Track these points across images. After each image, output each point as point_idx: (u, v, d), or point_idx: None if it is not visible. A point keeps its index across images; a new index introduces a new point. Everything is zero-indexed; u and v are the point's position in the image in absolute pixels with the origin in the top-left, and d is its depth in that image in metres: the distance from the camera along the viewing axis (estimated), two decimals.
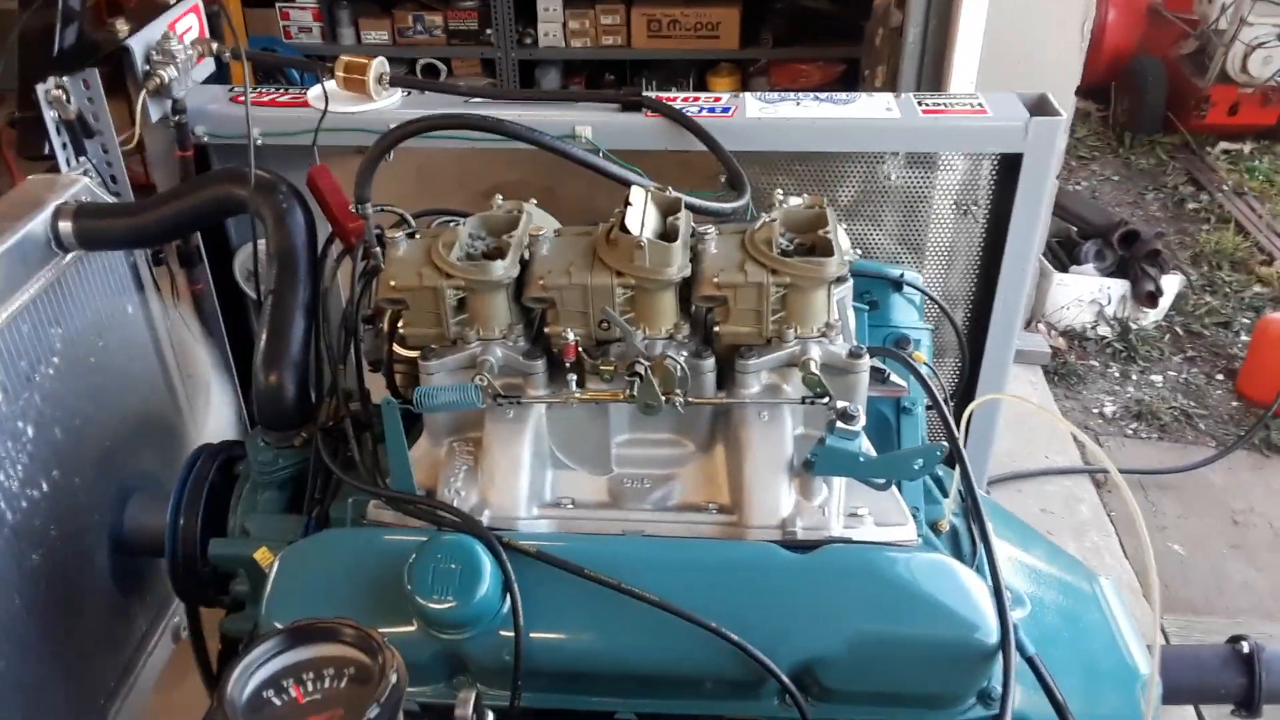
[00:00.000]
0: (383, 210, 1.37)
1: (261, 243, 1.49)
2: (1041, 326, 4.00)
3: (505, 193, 1.37)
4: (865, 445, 1.21)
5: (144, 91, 1.89)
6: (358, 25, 5.40)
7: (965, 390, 2.11)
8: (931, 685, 1.10)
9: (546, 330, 1.24)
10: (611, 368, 1.22)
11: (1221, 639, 1.52)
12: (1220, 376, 3.84)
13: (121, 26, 1.89)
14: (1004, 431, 2.24)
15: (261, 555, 1.23)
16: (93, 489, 1.53)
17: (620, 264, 1.21)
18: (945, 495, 1.42)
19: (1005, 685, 1.05)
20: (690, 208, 1.32)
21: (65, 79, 1.79)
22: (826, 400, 1.20)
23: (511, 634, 1.06)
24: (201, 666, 1.55)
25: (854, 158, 2.09)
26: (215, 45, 2.05)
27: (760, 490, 1.20)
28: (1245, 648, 1.49)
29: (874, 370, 1.32)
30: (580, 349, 1.22)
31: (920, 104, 2.03)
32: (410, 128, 1.37)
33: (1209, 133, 5.55)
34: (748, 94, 2.08)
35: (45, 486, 1.44)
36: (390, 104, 2.01)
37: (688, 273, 1.22)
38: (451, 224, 1.33)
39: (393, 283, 1.24)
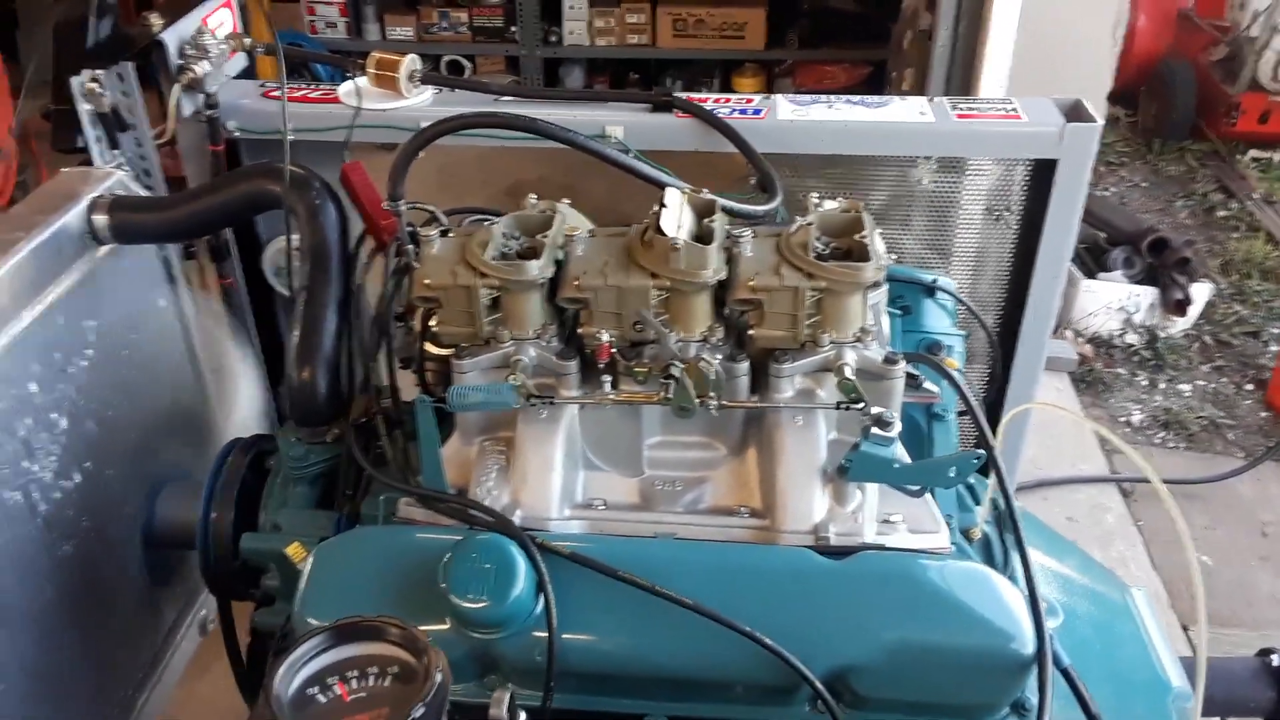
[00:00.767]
0: (415, 207, 1.37)
1: (294, 238, 1.49)
2: (1069, 333, 3.98)
3: (525, 191, 1.37)
4: (900, 452, 1.20)
5: (177, 86, 1.90)
6: (383, 21, 5.42)
7: (996, 397, 2.10)
8: (966, 695, 1.09)
9: (580, 331, 1.24)
10: (645, 369, 1.22)
11: (1249, 651, 1.51)
12: (1249, 387, 3.81)
13: (155, 20, 1.89)
14: (1030, 439, 2.22)
15: (294, 550, 1.23)
16: (124, 481, 1.54)
17: (655, 266, 1.21)
18: (977, 503, 1.41)
19: (1042, 697, 1.04)
20: (723, 210, 1.31)
21: (100, 72, 1.79)
22: (861, 406, 1.19)
23: (544, 635, 1.06)
24: (233, 659, 1.55)
25: (886, 162, 2.07)
26: (247, 40, 2.06)
27: (793, 495, 1.19)
28: (1275, 661, 1.48)
29: (907, 376, 1.31)
30: (614, 350, 1.21)
31: (954, 108, 2.01)
32: (445, 125, 1.37)
33: (1239, 140, 5.49)
34: (779, 96, 2.07)
35: (78, 477, 1.45)
36: (421, 101, 2.01)
37: (723, 275, 1.21)
38: (485, 223, 1.33)
39: (427, 281, 1.24)
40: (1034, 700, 1.06)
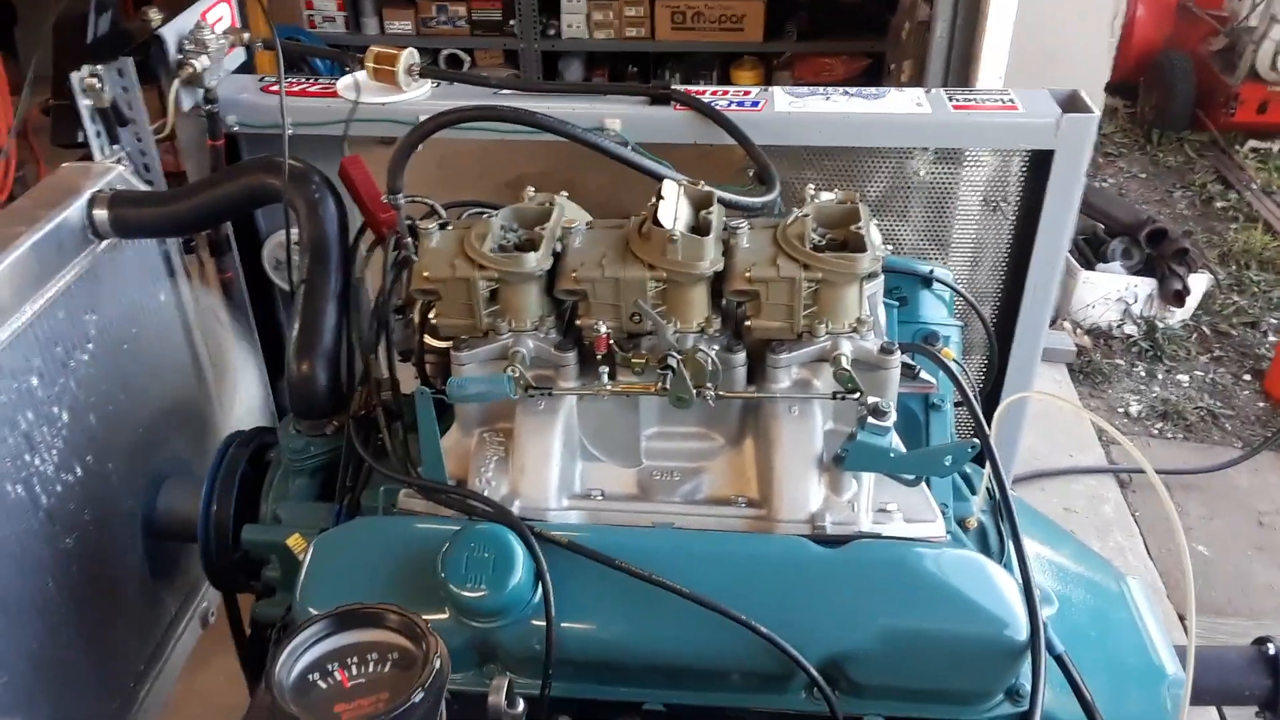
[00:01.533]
0: (414, 201, 1.38)
1: (294, 232, 1.50)
2: (1067, 324, 3.98)
3: (526, 184, 1.38)
4: (895, 441, 1.21)
5: (176, 80, 1.90)
6: (381, 15, 5.42)
7: (993, 387, 2.10)
8: (960, 682, 1.10)
9: (578, 322, 1.24)
10: (643, 360, 1.22)
11: (1245, 640, 1.51)
12: (1247, 377, 3.81)
13: (154, 15, 1.89)
14: (1028, 430, 2.24)
15: (294, 542, 1.24)
16: (125, 474, 1.55)
17: (653, 257, 1.21)
18: (973, 492, 1.42)
19: (1035, 682, 1.05)
20: (720, 202, 1.32)
21: (100, 68, 1.80)
22: (857, 396, 1.20)
23: (542, 623, 1.07)
24: (240, 649, 1.56)
25: (883, 153, 2.08)
26: (246, 35, 2.06)
27: (790, 484, 1.20)
28: (1270, 649, 1.49)
29: (903, 366, 1.32)
30: (612, 341, 1.22)
31: (951, 100, 2.02)
32: (444, 119, 1.37)
33: (1238, 130, 5.49)
34: (776, 88, 2.08)
35: (79, 471, 1.46)
36: (419, 95, 2.02)
37: (720, 267, 1.22)
38: (483, 215, 1.34)
39: (426, 273, 1.25)
40: (1028, 686, 1.07)
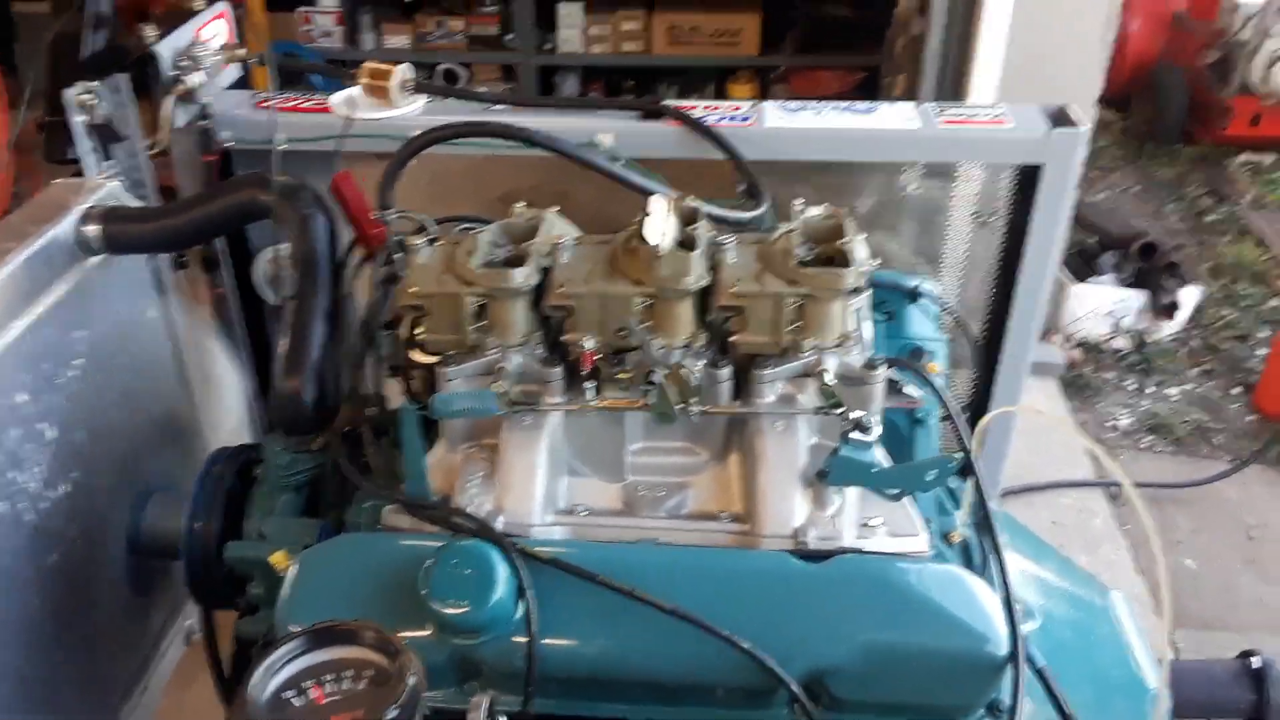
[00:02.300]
0: (404, 216, 1.39)
1: (277, 249, 1.50)
2: (1057, 338, 3.99)
3: (518, 199, 1.38)
4: (879, 456, 1.22)
5: (170, 97, 1.91)
6: (379, 30, 5.44)
7: (980, 402, 2.11)
8: (941, 696, 1.11)
9: (564, 338, 1.25)
10: (628, 376, 1.23)
11: (1233, 654, 1.52)
12: (1237, 390, 3.82)
13: (150, 32, 1.91)
14: (1017, 443, 2.24)
15: (277, 559, 1.24)
16: (112, 490, 1.55)
17: (639, 273, 1.22)
18: (958, 507, 1.42)
19: (1015, 697, 1.05)
20: (708, 216, 1.33)
21: (94, 84, 1.81)
22: (841, 411, 1.20)
23: (525, 639, 1.07)
24: (214, 669, 1.56)
25: (873, 168, 2.09)
26: (241, 51, 2.07)
27: (774, 499, 1.20)
28: (1256, 663, 1.49)
29: (888, 381, 1.33)
30: (597, 357, 1.23)
31: (940, 114, 2.03)
32: (434, 135, 1.39)
33: (1230, 144, 5.52)
34: (767, 103, 2.09)
35: (65, 487, 1.46)
36: (413, 110, 2.03)
37: (706, 282, 1.23)
38: (472, 231, 1.34)
39: (413, 289, 1.25)
40: (1009, 701, 1.08)
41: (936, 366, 1.55)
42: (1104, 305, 3.99)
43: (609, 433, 1.28)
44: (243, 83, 2.15)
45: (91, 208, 1.53)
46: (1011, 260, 2.11)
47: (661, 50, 5.29)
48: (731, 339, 1.25)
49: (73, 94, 1.79)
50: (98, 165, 1.84)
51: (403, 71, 2.01)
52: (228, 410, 1.91)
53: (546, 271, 1.27)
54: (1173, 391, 3.82)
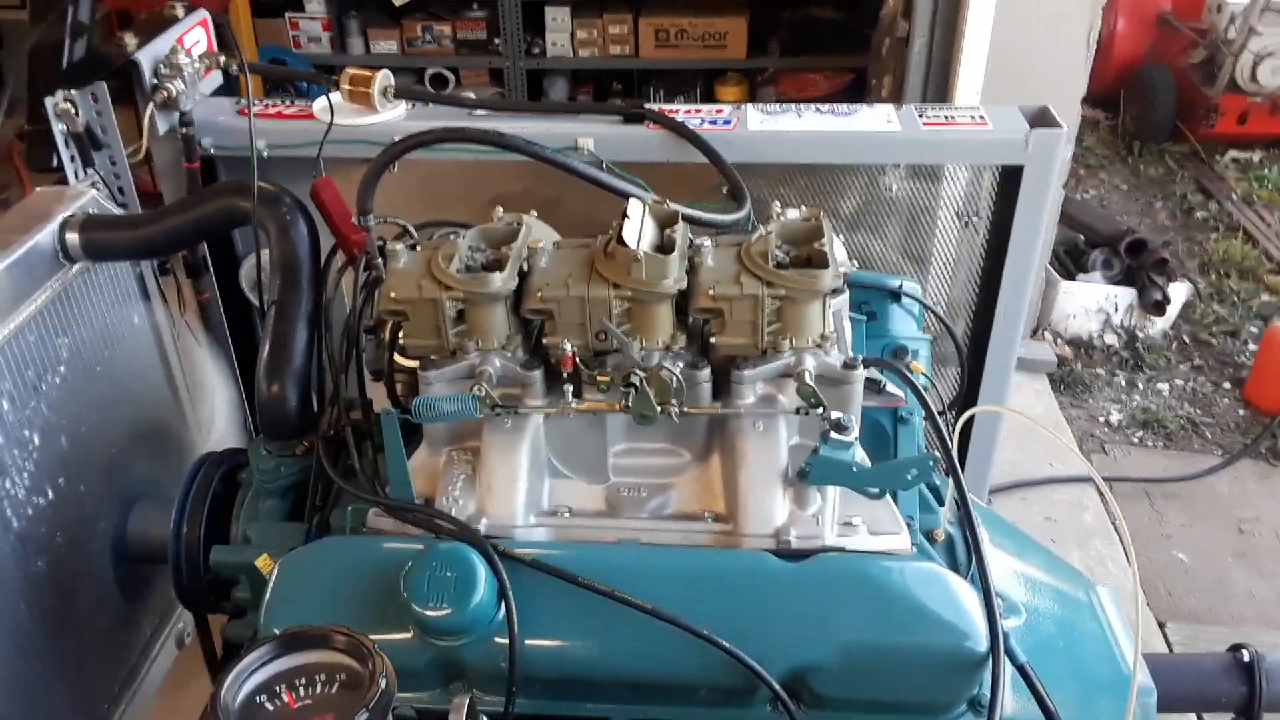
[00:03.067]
0: (385, 221, 1.39)
1: (265, 254, 1.51)
2: (1048, 335, 4.00)
3: (509, 203, 1.39)
4: (859, 455, 1.22)
5: (151, 104, 1.91)
6: (366, 35, 5.43)
7: (965, 400, 2.12)
8: (922, 693, 1.11)
9: (545, 341, 1.25)
10: (608, 378, 1.23)
11: (1225, 648, 1.52)
12: (1227, 385, 3.84)
13: (130, 40, 1.91)
14: (1008, 440, 2.25)
15: (262, 562, 1.24)
16: (98, 497, 1.55)
17: (617, 276, 1.22)
18: (942, 505, 1.43)
19: (994, 692, 1.06)
20: (689, 219, 1.33)
21: (74, 92, 1.81)
22: (820, 411, 1.21)
23: (506, 641, 1.07)
24: (212, 671, 1.56)
25: (855, 170, 2.10)
26: (222, 58, 2.08)
27: (755, 499, 1.20)
28: (1246, 656, 1.49)
29: (870, 381, 1.33)
30: (577, 360, 1.23)
31: (921, 116, 2.04)
32: (412, 141, 1.39)
33: (1218, 141, 5.54)
34: (749, 106, 2.10)
35: (51, 494, 1.46)
36: (395, 116, 2.03)
37: (684, 285, 1.23)
38: (452, 236, 1.35)
39: (393, 294, 1.26)
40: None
41: (920, 365, 1.55)
42: (1094, 302, 4.00)
43: (591, 435, 1.28)
44: (228, 89, 2.15)
45: (71, 215, 1.53)
46: (995, 259, 2.12)
47: (649, 53, 5.29)
48: (711, 340, 1.25)
49: (53, 102, 1.79)
50: (78, 173, 1.84)
51: (383, 77, 2.02)
52: (216, 415, 1.91)
53: (525, 275, 1.27)
54: (1163, 386, 3.83)
